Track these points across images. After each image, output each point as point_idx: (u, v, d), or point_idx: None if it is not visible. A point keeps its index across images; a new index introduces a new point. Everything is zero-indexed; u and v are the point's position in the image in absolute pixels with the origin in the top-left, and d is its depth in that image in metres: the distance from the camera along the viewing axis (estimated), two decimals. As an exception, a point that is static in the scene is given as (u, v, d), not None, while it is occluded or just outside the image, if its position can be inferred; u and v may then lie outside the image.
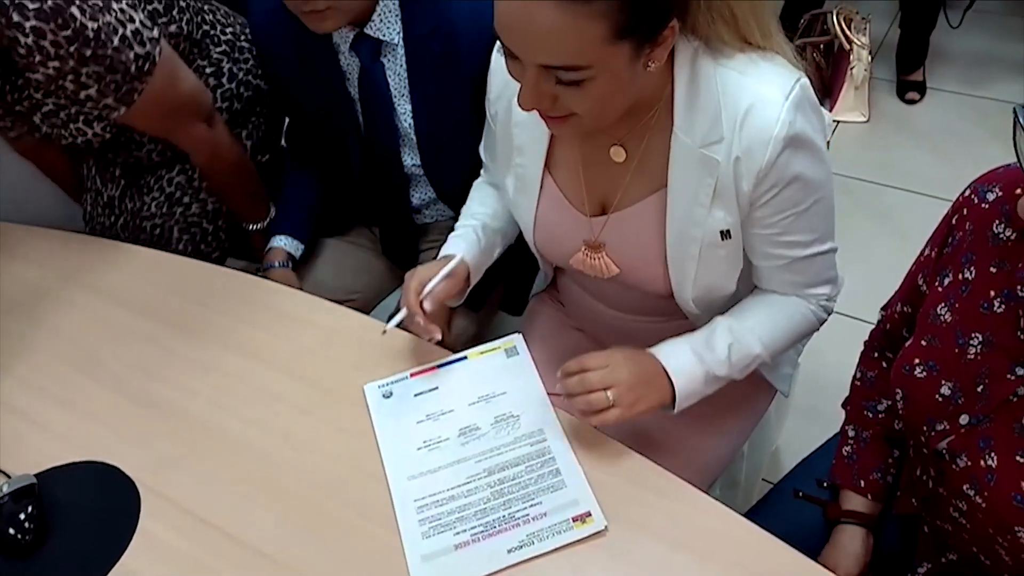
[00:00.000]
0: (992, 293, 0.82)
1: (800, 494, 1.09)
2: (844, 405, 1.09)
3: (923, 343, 0.88)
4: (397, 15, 1.18)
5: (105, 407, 1.08)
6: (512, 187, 1.07)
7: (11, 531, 0.94)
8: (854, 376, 1.09)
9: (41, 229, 1.40)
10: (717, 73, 0.86)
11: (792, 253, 0.98)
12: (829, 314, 1.08)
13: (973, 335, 0.83)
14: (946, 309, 0.86)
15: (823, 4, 2.71)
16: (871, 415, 1.04)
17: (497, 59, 1.03)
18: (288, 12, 1.15)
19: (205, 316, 1.19)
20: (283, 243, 1.42)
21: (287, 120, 1.54)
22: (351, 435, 1.01)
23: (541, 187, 1.03)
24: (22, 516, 0.95)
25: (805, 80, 0.88)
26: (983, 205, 0.84)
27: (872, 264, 2.14)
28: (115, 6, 1.15)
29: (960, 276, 0.85)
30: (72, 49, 1.11)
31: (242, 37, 1.44)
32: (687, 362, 0.97)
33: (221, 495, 0.97)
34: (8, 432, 1.06)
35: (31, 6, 1.07)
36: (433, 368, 1.05)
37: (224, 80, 1.41)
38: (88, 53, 1.12)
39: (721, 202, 0.91)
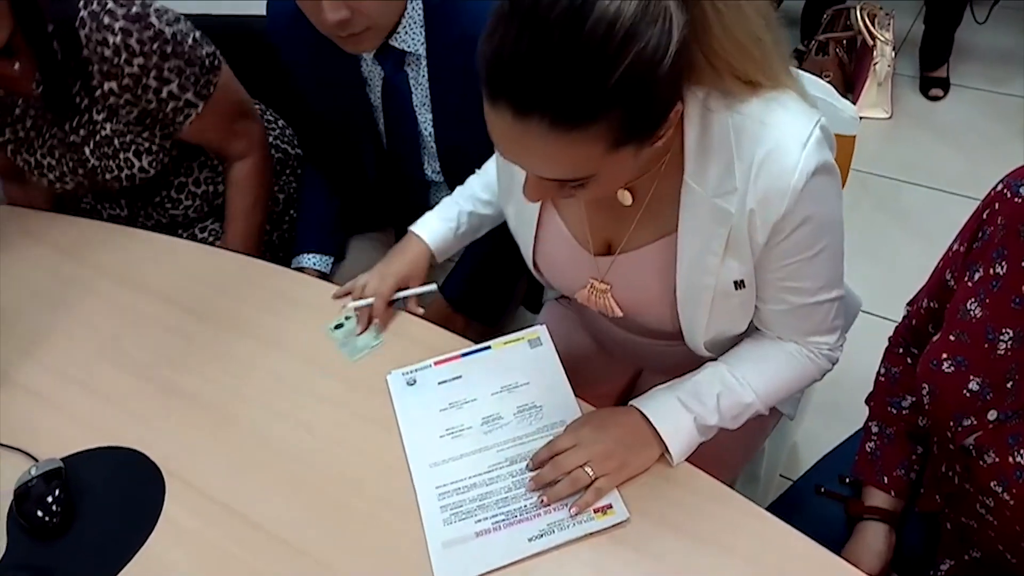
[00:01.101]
0: None
1: (823, 490, 1.08)
2: (868, 401, 1.08)
3: (951, 338, 0.87)
4: (421, 26, 1.18)
5: (129, 394, 1.09)
6: (513, 216, 1.05)
7: (39, 513, 0.95)
8: (878, 372, 1.08)
9: (65, 217, 1.41)
10: (730, 121, 0.82)
11: (796, 299, 0.93)
12: (833, 363, 1.03)
13: (1004, 331, 0.82)
14: (976, 304, 0.85)
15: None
16: (895, 411, 1.04)
17: None
18: (305, 18, 1.14)
19: (229, 305, 1.20)
20: (312, 262, 1.42)
21: (300, 126, 1.58)
22: (374, 424, 1.01)
23: (540, 223, 1.02)
24: (50, 499, 0.96)
25: (823, 120, 0.84)
26: (1016, 200, 0.83)
27: (894, 261, 2.13)
28: (183, 19, 1.31)
29: (991, 271, 0.84)
30: (155, 47, 1.25)
31: (268, 111, 1.61)
32: (674, 414, 0.94)
33: (244, 482, 0.98)
34: (34, 417, 1.08)
35: (119, 12, 1.22)
36: (457, 357, 1.06)
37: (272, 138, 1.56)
38: (169, 50, 1.26)
39: (734, 253, 0.88)
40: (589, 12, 0.66)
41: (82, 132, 1.33)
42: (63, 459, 1.01)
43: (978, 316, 0.85)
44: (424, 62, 1.21)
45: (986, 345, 0.83)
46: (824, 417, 1.65)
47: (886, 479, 1.01)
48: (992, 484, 0.82)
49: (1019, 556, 0.86)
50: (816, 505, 1.08)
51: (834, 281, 0.95)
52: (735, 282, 0.91)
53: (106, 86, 1.27)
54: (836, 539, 1.02)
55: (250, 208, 1.47)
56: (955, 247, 0.94)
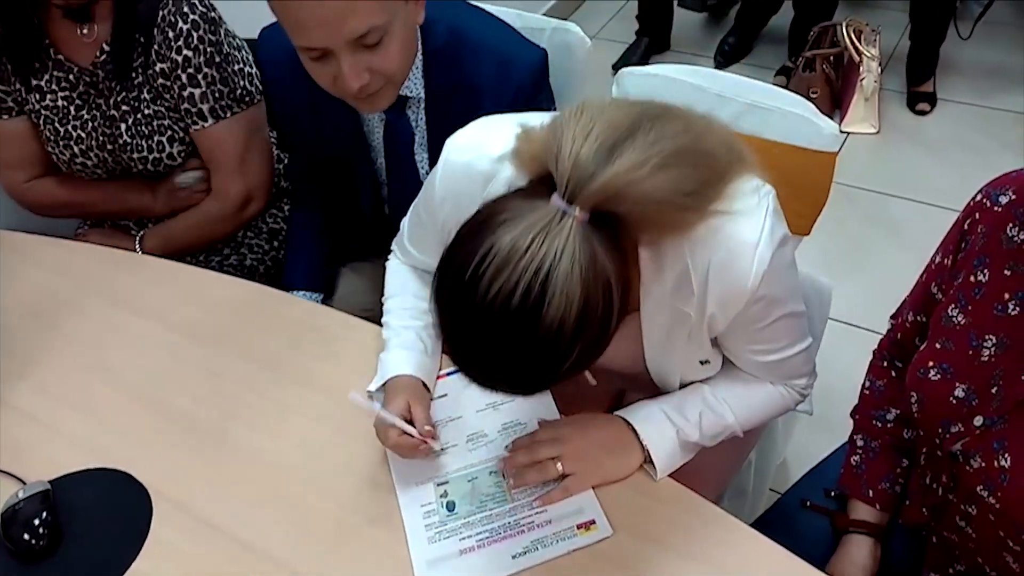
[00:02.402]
0: (1006, 296, 0.83)
1: (808, 504, 1.09)
2: (852, 414, 1.09)
3: (937, 346, 0.88)
4: (420, 70, 1.19)
5: (119, 414, 1.10)
6: None
7: (26, 536, 0.95)
8: (863, 385, 1.09)
9: (58, 240, 1.42)
10: (683, 239, 0.81)
11: (763, 358, 0.96)
12: (804, 399, 1.06)
13: (987, 337, 0.84)
14: (958, 311, 0.87)
15: (833, 16, 2.72)
16: (880, 424, 1.04)
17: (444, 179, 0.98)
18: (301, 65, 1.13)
19: (218, 326, 1.21)
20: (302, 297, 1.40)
21: (286, 159, 1.59)
22: (361, 443, 1.02)
23: None
24: (36, 522, 0.96)
25: (770, 202, 0.84)
26: (996, 208, 0.84)
27: (881, 275, 2.15)
28: (246, 51, 1.43)
29: (973, 278, 0.86)
30: (207, 50, 1.34)
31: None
32: (657, 424, 0.95)
33: (232, 502, 0.98)
34: (23, 438, 1.08)
35: (199, 8, 1.33)
36: (443, 376, 1.06)
37: (274, 161, 1.58)
38: (216, 60, 1.35)
39: (696, 341, 0.91)
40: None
41: (124, 108, 1.39)
42: (51, 481, 1.01)
43: (961, 323, 0.86)
44: (422, 105, 1.23)
45: (970, 352, 0.84)
46: (814, 431, 1.65)
47: (871, 492, 1.02)
48: (978, 489, 0.83)
49: (1000, 568, 0.86)
50: (802, 519, 1.09)
51: (798, 337, 0.97)
52: (700, 360, 0.95)
53: (157, 66, 1.34)
54: (822, 553, 1.02)
55: (179, 231, 1.48)
56: (939, 259, 0.95)
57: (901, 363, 1.04)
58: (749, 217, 0.82)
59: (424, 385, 1.03)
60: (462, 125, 1.19)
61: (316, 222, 1.46)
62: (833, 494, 1.07)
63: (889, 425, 1.04)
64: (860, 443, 1.05)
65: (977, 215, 0.88)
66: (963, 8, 2.71)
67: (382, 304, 1.13)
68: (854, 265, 2.21)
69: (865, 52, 2.56)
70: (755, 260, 0.82)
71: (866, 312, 1.91)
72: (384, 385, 1.02)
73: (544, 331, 0.68)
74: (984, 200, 0.87)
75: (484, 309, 0.68)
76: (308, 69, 1.09)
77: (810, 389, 1.07)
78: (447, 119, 1.19)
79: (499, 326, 0.68)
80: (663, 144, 0.72)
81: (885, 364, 1.07)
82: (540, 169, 0.75)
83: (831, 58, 2.65)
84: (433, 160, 1.26)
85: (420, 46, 1.17)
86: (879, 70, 2.60)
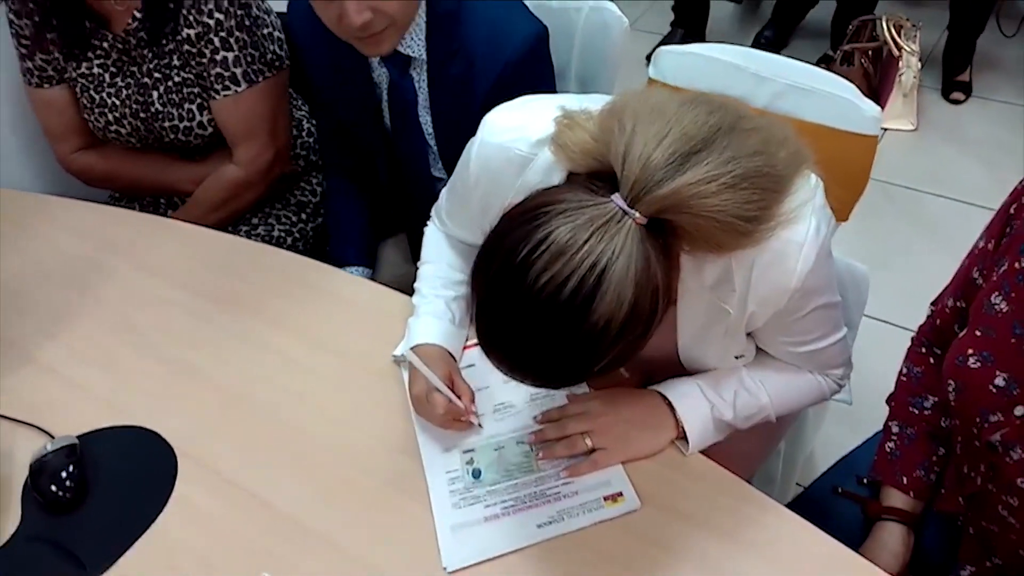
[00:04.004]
0: None
1: (840, 490, 1.06)
2: (888, 401, 1.07)
3: (977, 333, 0.85)
4: (423, 31, 1.20)
5: (145, 374, 1.10)
6: None
7: (53, 488, 0.95)
8: (900, 371, 1.06)
9: (89, 204, 1.43)
10: None
11: (796, 349, 0.95)
12: (840, 389, 1.04)
13: None
14: (1001, 298, 0.84)
15: (873, 10, 2.67)
16: (917, 411, 1.02)
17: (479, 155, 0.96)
18: (325, 27, 1.15)
19: (244, 290, 1.20)
20: (355, 274, 1.39)
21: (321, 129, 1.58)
22: (386, 409, 1.01)
23: None
24: (63, 474, 0.96)
25: (818, 197, 0.82)
26: None
27: (916, 272, 2.11)
28: (274, 16, 1.43)
29: (1017, 265, 0.83)
30: (237, 12, 1.34)
31: (313, 116, 1.65)
32: (693, 399, 0.94)
33: (255, 462, 0.98)
34: (52, 395, 1.08)
35: None
36: (471, 346, 1.05)
37: (304, 134, 1.62)
38: (247, 23, 1.36)
39: (733, 336, 0.90)
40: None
41: (156, 75, 1.40)
42: (79, 436, 1.02)
43: (1004, 311, 0.83)
44: (425, 67, 1.24)
45: (1013, 340, 0.82)
46: (844, 425, 1.63)
47: (905, 479, 0.99)
48: (1019, 481, 0.80)
49: (1041, 560, 0.84)
50: (833, 507, 1.07)
51: (832, 328, 0.95)
52: (735, 355, 0.94)
53: (185, 32, 1.34)
54: (853, 541, 0.99)
55: (209, 205, 1.48)
56: (982, 244, 0.93)
57: (940, 350, 1.02)
58: (797, 218, 0.80)
59: (451, 355, 1.02)
60: (460, 89, 1.21)
61: (354, 195, 1.47)
62: (866, 481, 1.05)
63: (926, 412, 1.02)
64: (895, 430, 1.03)
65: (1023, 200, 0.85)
66: (1009, 6, 2.66)
67: (416, 269, 1.12)
68: (888, 261, 2.17)
69: (905, 47, 2.51)
70: (800, 259, 0.81)
71: (900, 309, 1.88)
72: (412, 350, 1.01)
73: (589, 327, 0.67)
74: None
75: (531, 296, 0.67)
76: (316, 8, 1.11)
77: (847, 380, 1.05)
78: (446, 83, 1.23)
79: (543, 316, 0.67)
80: (736, 164, 0.71)
81: (924, 351, 1.05)
82: (594, 163, 0.74)
83: (870, 52, 2.61)
84: (437, 124, 1.29)
85: (425, 8, 1.18)
86: (919, 65, 2.56)
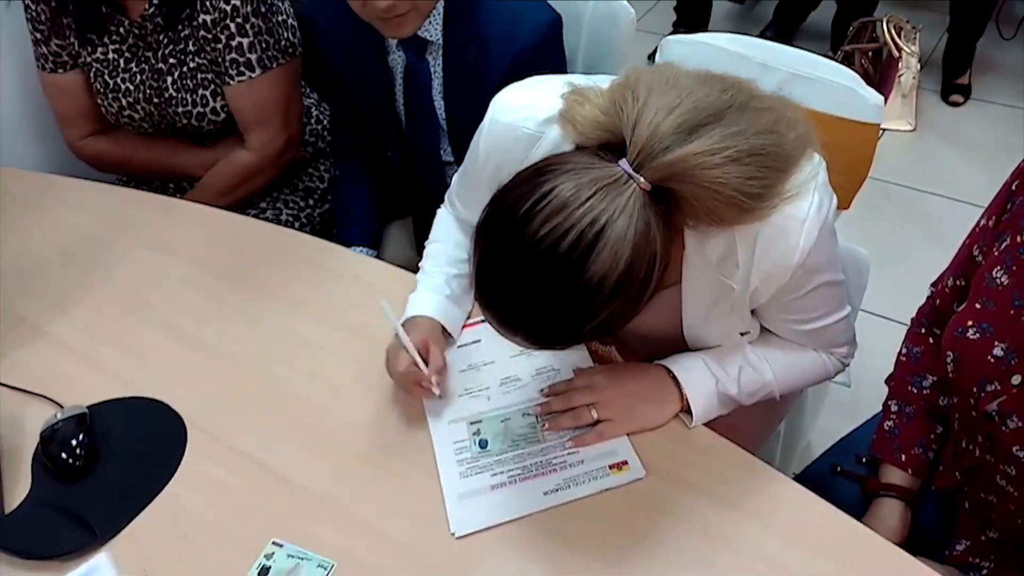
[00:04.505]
0: None
1: (839, 468, 1.08)
2: (887, 381, 1.08)
3: (977, 306, 0.87)
4: (440, 16, 1.23)
5: (156, 349, 1.11)
6: None
7: (63, 455, 0.96)
8: (899, 352, 1.08)
9: (99, 184, 1.44)
10: None
11: (802, 327, 0.96)
12: (845, 367, 1.06)
13: None
14: (1002, 272, 0.86)
15: (873, 12, 2.70)
16: (915, 390, 1.04)
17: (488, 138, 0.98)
18: (343, 8, 1.18)
19: (255, 269, 1.22)
20: (361, 253, 1.42)
21: (326, 120, 1.63)
22: (396, 384, 1.02)
23: None
24: (74, 442, 0.97)
25: (820, 174, 0.83)
26: None
27: (913, 268, 2.12)
28: (288, 3, 1.44)
29: (1019, 239, 0.85)
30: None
31: (322, 104, 1.67)
32: (698, 373, 0.95)
33: (265, 434, 0.99)
34: (62, 368, 1.10)
35: None
36: (477, 323, 1.07)
37: (313, 122, 1.63)
38: (262, 9, 1.37)
39: (738, 312, 0.92)
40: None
41: (171, 60, 1.41)
42: (89, 407, 1.03)
43: (1004, 283, 0.85)
44: (441, 52, 1.26)
45: (1012, 312, 0.83)
46: (842, 416, 1.63)
47: (903, 457, 1.01)
48: (1015, 450, 0.82)
49: (1038, 530, 0.85)
50: (832, 486, 1.08)
51: (836, 306, 0.96)
52: (740, 332, 0.95)
53: (201, 18, 1.35)
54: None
55: (219, 189, 1.49)
56: (982, 222, 0.94)
57: (939, 330, 1.03)
58: (800, 195, 0.81)
59: (444, 330, 1.03)
60: (474, 74, 1.23)
61: (364, 179, 1.49)
62: (864, 460, 1.07)
63: (925, 391, 1.03)
64: (894, 408, 1.05)
65: None
66: (1008, 10, 2.68)
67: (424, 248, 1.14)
68: (888, 259, 2.19)
69: (905, 48, 2.54)
70: (803, 235, 0.82)
71: (898, 305, 1.88)
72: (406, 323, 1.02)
73: (583, 282, 0.68)
74: None
75: (530, 247, 0.69)
76: None
77: (851, 358, 1.06)
78: (461, 68, 1.25)
79: (540, 267, 0.69)
80: (743, 139, 0.73)
81: (923, 331, 1.06)
82: (603, 134, 0.75)
83: (869, 53, 2.63)
84: (450, 108, 1.31)
85: None
86: (918, 67, 2.58)
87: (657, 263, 0.72)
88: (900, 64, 2.55)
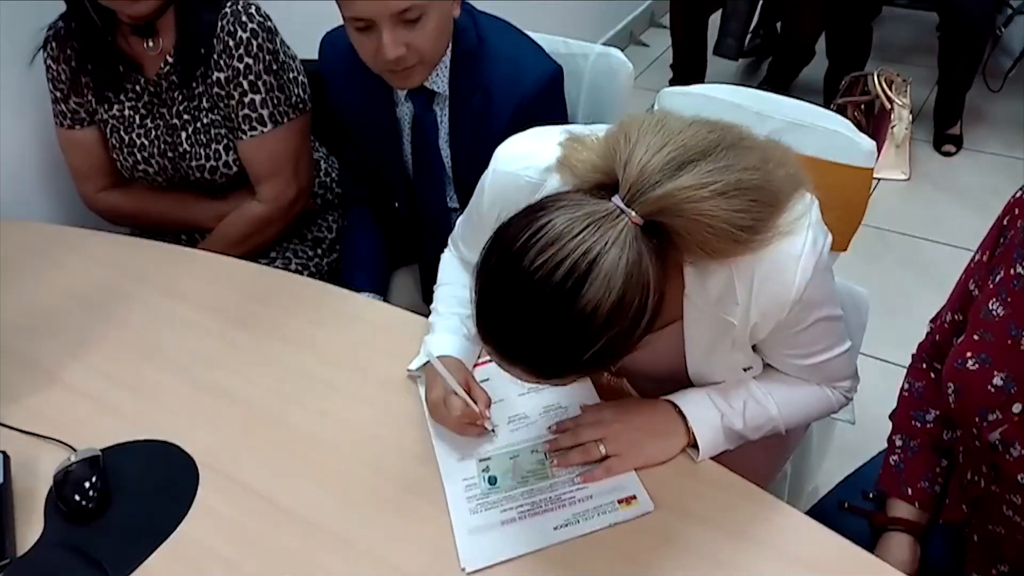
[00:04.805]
0: None
1: (846, 505, 1.08)
2: (891, 416, 1.10)
3: (975, 337, 0.89)
4: (447, 68, 1.29)
5: (168, 392, 1.13)
6: None
7: (76, 497, 0.97)
8: (902, 388, 1.10)
9: (113, 235, 1.48)
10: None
11: (802, 362, 0.98)
12: (848, 401, 1.08)
13: None
14: (998, 304, 0.88)
15: (864, 66, 2.78)
16: (919, 424, 1.05)
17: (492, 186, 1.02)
18: (355, 63, 1.25)
19: (266, 314, 1.24)
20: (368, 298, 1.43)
21: (334, 172, 1.68)
22: (403, 421, 1.04)
23: None
24: (87, 484, 0.98)
25: (813, 212, 0.86)
26: None
27: (912, 314, 2.13)
28: (298, 61, 1.51)
29: (1012, 271, 0.87)
30: (266, 58, 1.41)
31: (331, 158, 1.72)
32: (703, 408, 0.96)
33: (278, 473, 1.00)
34: (75, 413, 1.11)
35: (256, 18, 1.40)
36: (486, 362, 1.09)
37: (321, 174, 1.67)
38: (274, 67, 1.43)
39: (740, 348, 0.94)
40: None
41: (185, 116, 1.46)
42: (102, 450, 1.04)
43: (1000, 315, 0.87)
44: (447, 103, 1.32)
45: (1009, 341, 0.86)
46: (848, 459, 1.63)
47: (910, 491, 1.01)
48: (1020, 478, 0.83)
49: (1047, 560, 0.86)
50: (839, 523, 1.07)
51: (836, 341, 0.99)
52: (743, 368, 0.97)
53: (215, 75, 1.41)
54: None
55: (231, 240, 1.52)
56: (977, 257, 0.97)
57: (940, 364, 1.05)
58: (793, 231, 0.85)
59: (466, 367, 1.05)
60: (478, 124, 1.28)
61: (371, 225, 1.53)
62: (871, 495, 1.07)
63: (928, 425, 1.04)
64: (899, 443, 1.06)
65: (1016, 210, 0.90)
66: (994, 63, 2.77)
67: (432, 292, 1.17)
68: (886, 304, 2.21)
69: (896, 100, 2.61)
70: (799, 271, 0.85)
71: (899, 349, 1.90)
72: (425, 366, 1.04)
73: (578, 311, 0.71)
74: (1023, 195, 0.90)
75: (526, 279, 0.72)
76: (354, 41, 1.21)
77: (854, 392, 1.08)
78: (467, 117, 1.31)
79: (536, 297, 0.72)
80: (730, 174, 0.77)
81: (924, 366, 1.08)
82: (599, 176, 0.79)
83: (862, 106, 2.71)
84: (456, 156, 1.37)
85: (451, 47, 1.27)
86: (910, 118, 2.65)
87: (651, 294, 0.74)
88: (892, 116, 2.62)
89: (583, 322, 0.72)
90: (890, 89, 2.63)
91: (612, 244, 0.72)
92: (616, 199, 0.75)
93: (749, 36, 3.14)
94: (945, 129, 2.77)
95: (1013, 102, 2.92)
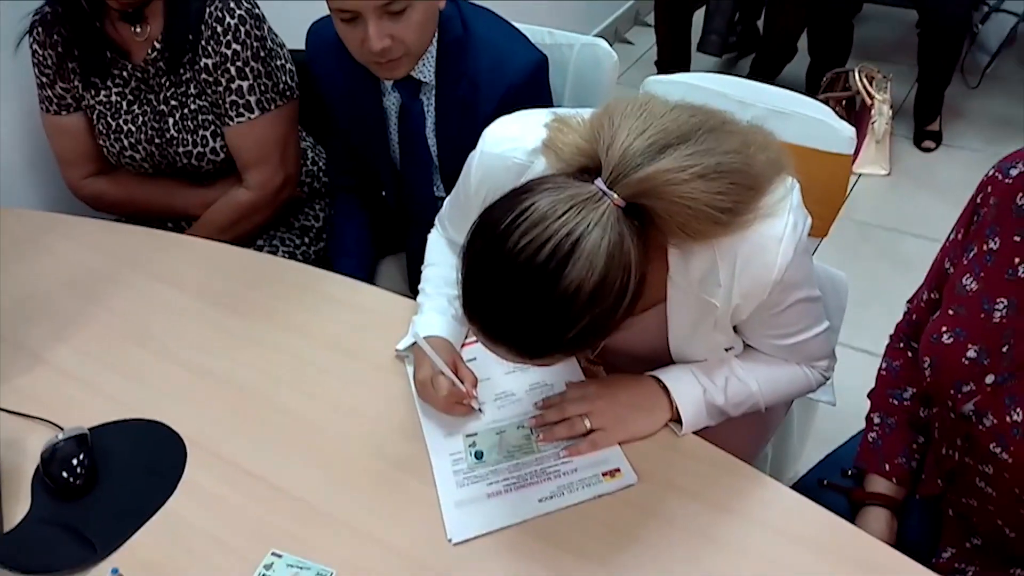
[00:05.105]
0: (1016, 260, 0.87)
1: (825, 482, 1.10)
2: (869, 395, 1.12)
3: (950, 312, 0.92)
4: (434, 57, 1.30)
5: (156, 373, 1.13)
6: None
7: (64, 475, 0.98)
8: (880, 367, 1.12)
9: (100, 221, 1.48)
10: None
11: (781, 342, 1.00)
12: (827, 380, 1.10)
13: (998, 300, 0.88)
14: (971, 279, 0.91)
15: (846, 63, 2.82)
16: (896, 402, 1.07)
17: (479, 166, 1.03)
18: (341, 53, 1.26)
19: (254, 298, 1.25)
20: None
21: (321, 161, 1.69)
22: (391, 400, 1.05)
23: None
24: (74, 462, 0.98)
25: (794, 196, 0.88)
26: (1007, 180, 0.89)
27: (892, 305, 2.16)
28: (286, 49, 1.52)
29: (984, 247, 0.90)
30: (253, 44, 1.41)
31: (317, 147, 1.72)
32: (686, 383, 0.98)
33: (266, 451, 1.01)
34: (62, 393, 1.11)
35: (245, 5, 1.41)
36: (473, 342, 1.10)
37: (308, 163, 1.67)
38: (262, 54, 1.43)
39: (722, 329, 0.96)
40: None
41: (172, 103, 1.46)
42: (89, 429, 1.04)
43: (974, 289, 0.90)
44: (433, 92, 1.33)
45: (982, 315, 0.88)
46: (826, 448, 1.65)
47: (887, 466, 1.04)
48: (991, 447, 0.85)
49: (1018, 529, 0.88)
50: (819, 501, 1.09)
51: (814, 321, 1.01)
52: (725, 348, 0.99)
53: (203, 62, 1.41)
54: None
55: (218, 226, 1.53)
56: (952, 236, 1.00)
57: (917, 344, 1.08)
58: (773, 215, 0.87)
59: (453, 347, 1.06)
60: (465, 113, 1.30)
61: (358, 212, 1.54)
62: (850, 473, 1.09)
63: (906, 403, 1.07)
64: (877, 420, 1.08)
65: (989, 188, 0.93)
66: (971, 60, 2.81)
67: (419, 281, 1.18)
68: (867, 296, 2.23)
69: (876, 96, 2.65)
70: (780, 253, 0.87)
71: (878, 339, 1.93)
72: (413, 346, 1.05)
73: (561, 291, 0.73)
74: (996, 174, 0.92)
75: (510, 259, 0.73)
76: (340, 32, 1.22)
77: (831, 371, 1.10)
78: (453, 105, 1.32)
79: (520, 277, 0.73)
80: (710, 157, 0.79)
81: (901, 345, 1.11)
82: (583, 160, 0.81)
83: (843, 102, 2.74)
84: (442, 145, 1.38)
85: (437, 36, 1.29)
86: (890, 113, 2.69)
87: (632, 275, 0.76)
88: (872, 112, 2.66)
89: (566, 302, 0.73)
90: (871, 85, 2.67)
91: (594, 225, 0.74)
92: (599, 182, 0.77)
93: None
94: (925, 125, 2.82)
95: (991, 98, 2.97)
